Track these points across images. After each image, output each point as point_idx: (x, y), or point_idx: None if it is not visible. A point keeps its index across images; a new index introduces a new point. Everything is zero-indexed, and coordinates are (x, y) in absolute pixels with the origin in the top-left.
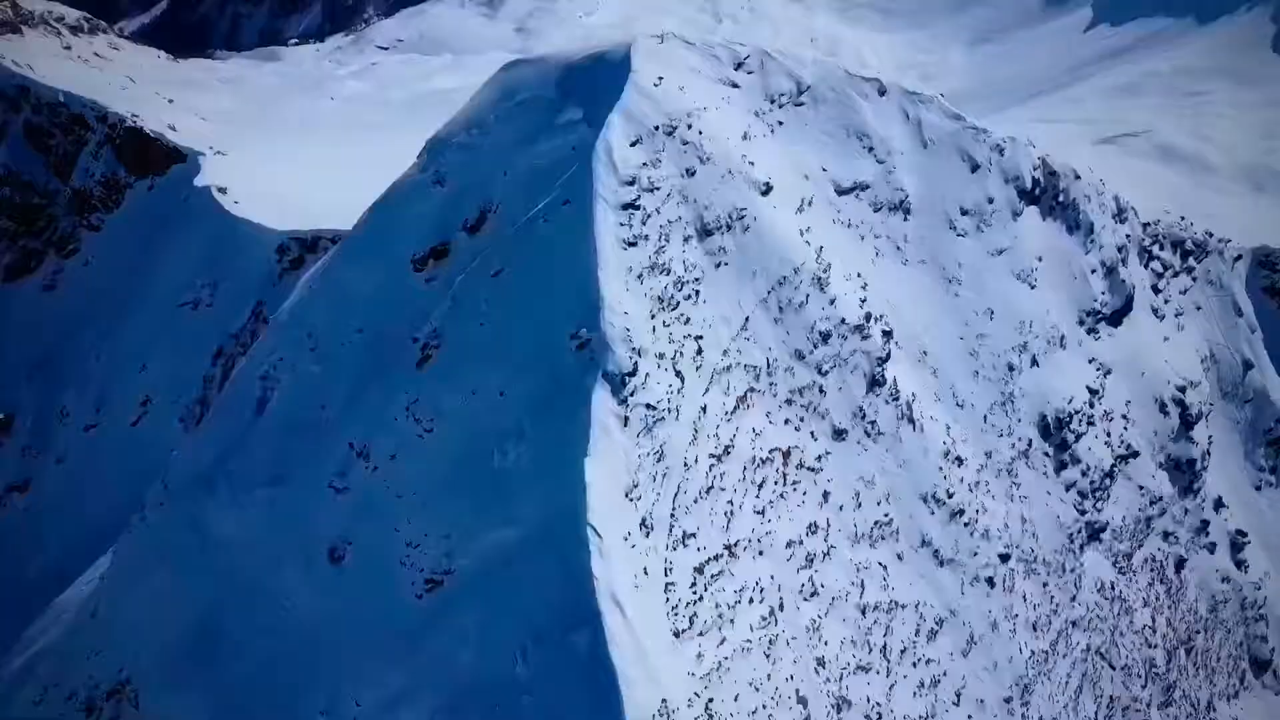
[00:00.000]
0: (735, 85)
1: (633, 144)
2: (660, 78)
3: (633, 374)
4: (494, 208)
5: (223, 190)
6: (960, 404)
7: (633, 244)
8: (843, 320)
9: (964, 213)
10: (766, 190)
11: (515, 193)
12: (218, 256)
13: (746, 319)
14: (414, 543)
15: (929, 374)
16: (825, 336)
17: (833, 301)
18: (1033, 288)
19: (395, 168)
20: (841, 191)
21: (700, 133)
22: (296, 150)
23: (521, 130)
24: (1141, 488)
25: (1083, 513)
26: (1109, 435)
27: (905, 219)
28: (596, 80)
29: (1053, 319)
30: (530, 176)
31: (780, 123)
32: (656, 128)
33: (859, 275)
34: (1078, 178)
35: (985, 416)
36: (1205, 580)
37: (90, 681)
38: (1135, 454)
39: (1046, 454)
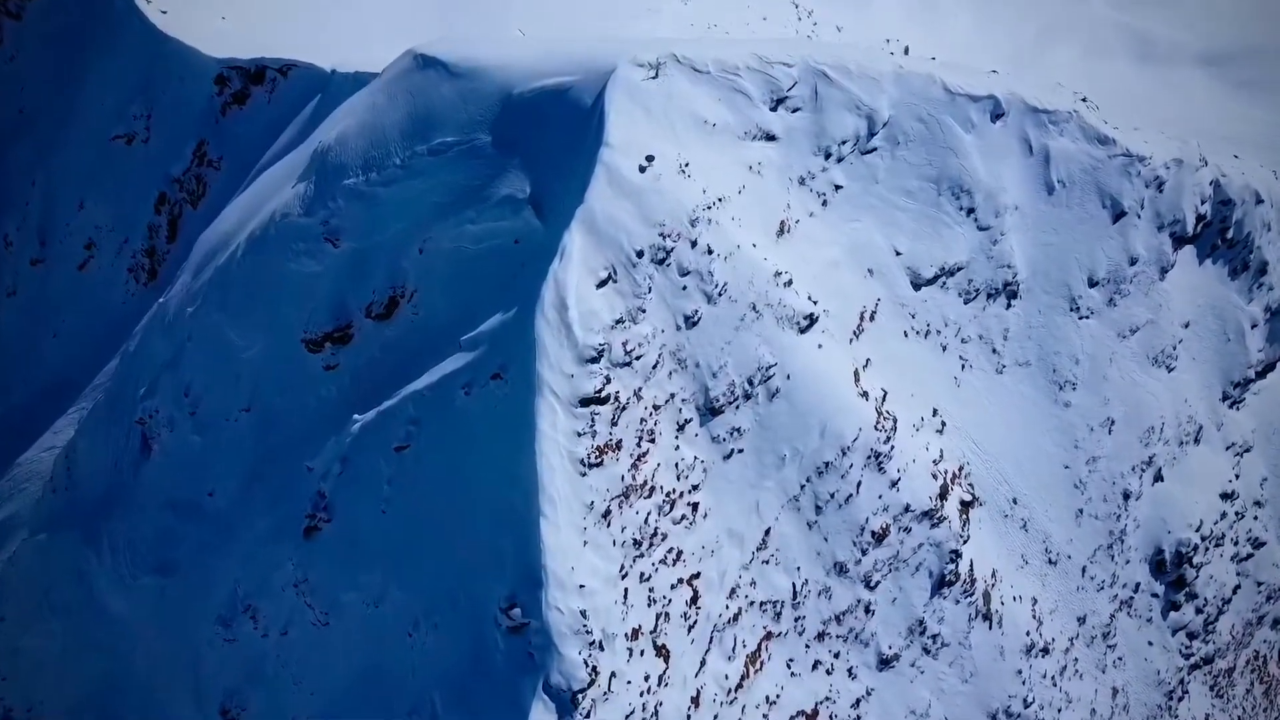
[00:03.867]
0: (772, 138)
1: (602, 283)
2: (649, 157)
3: (590, 685)
4: (406, 293)
5: None
6: (1054, 560)
7: (596, 464)
8: (907, 508)
9: (1093, 284)
10: (809, 324)
11: (435, 280)
12: (150, 81)
13: (767, 532)
14: None
15: (1017, 529)
16: (880, 536)
17: (895, 484)
18: (1170, 370)
19: None
20: (921, 284)
21: (710, 250)
22: None
23: (442, 191)
24: (1260, 584)
25: (1189, 655)
26: (1236, 544)
27: (1009, 305)
28: (550, 136)
29: (1191, 407)
30: (455, 264)
31: (837, 186)
32: (640, 253)
33: (935, 414)
34: (1259, 201)
35: (1084, 569)
36: None
37: (3, 705)
38: (1262, 544)
39: (1155, 595)
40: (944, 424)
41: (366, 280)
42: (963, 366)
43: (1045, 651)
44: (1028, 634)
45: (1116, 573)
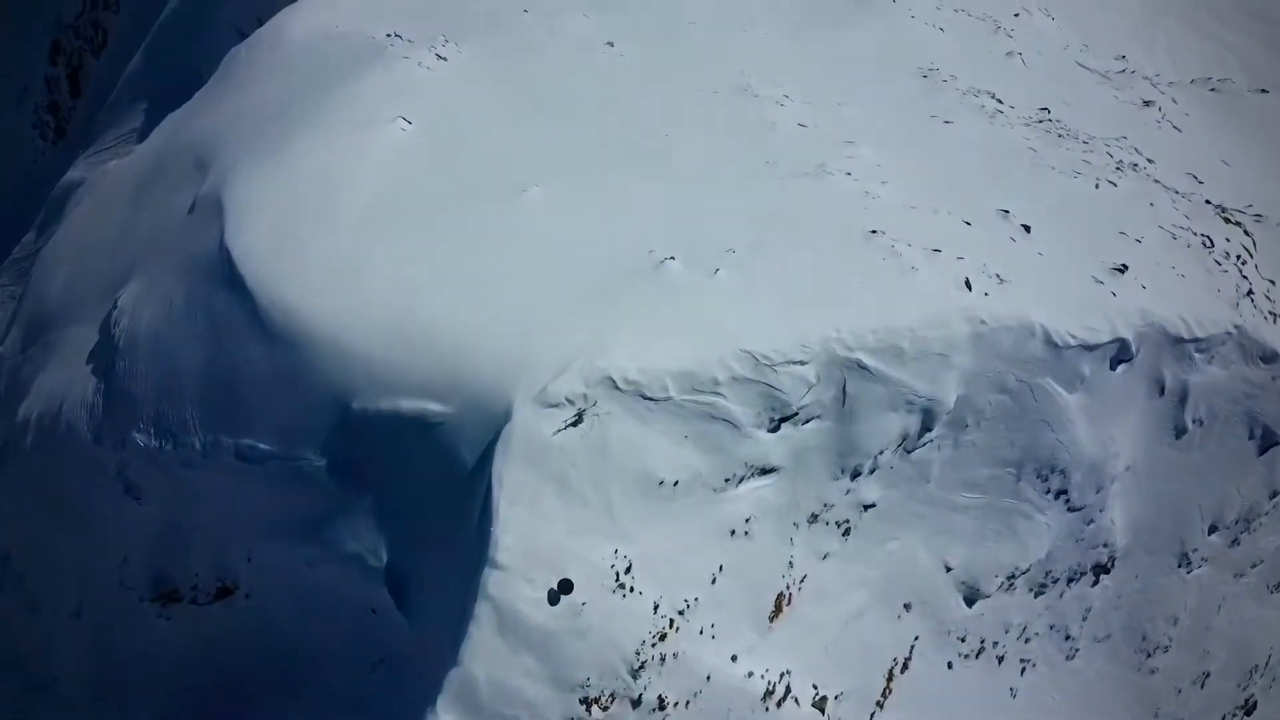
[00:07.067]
0: (770, 471)
1: None
2: (565, 583)
3: None
4: (240, 590)
5: None
6: None
7: None
8: None
9: (1214, 529)
10: None
11: (274, 595)
12: None
13: None
14: None
15: None
16: None
17: None
18: None
19: None
20: (978, 599)
21: (662, 702)
22: None
23: (262, 506)
24: None
25: None
26: None
27: (1096, 582)
28: (412, 487)
29: None
30: (297, 590)
31: (867, 506)
32: None
33: None
34: None
35: None
36: None
37: None
38: None
39: None
40: None
41: (185, 559)
42: (1023, 670)
43: None
44: None
45: None
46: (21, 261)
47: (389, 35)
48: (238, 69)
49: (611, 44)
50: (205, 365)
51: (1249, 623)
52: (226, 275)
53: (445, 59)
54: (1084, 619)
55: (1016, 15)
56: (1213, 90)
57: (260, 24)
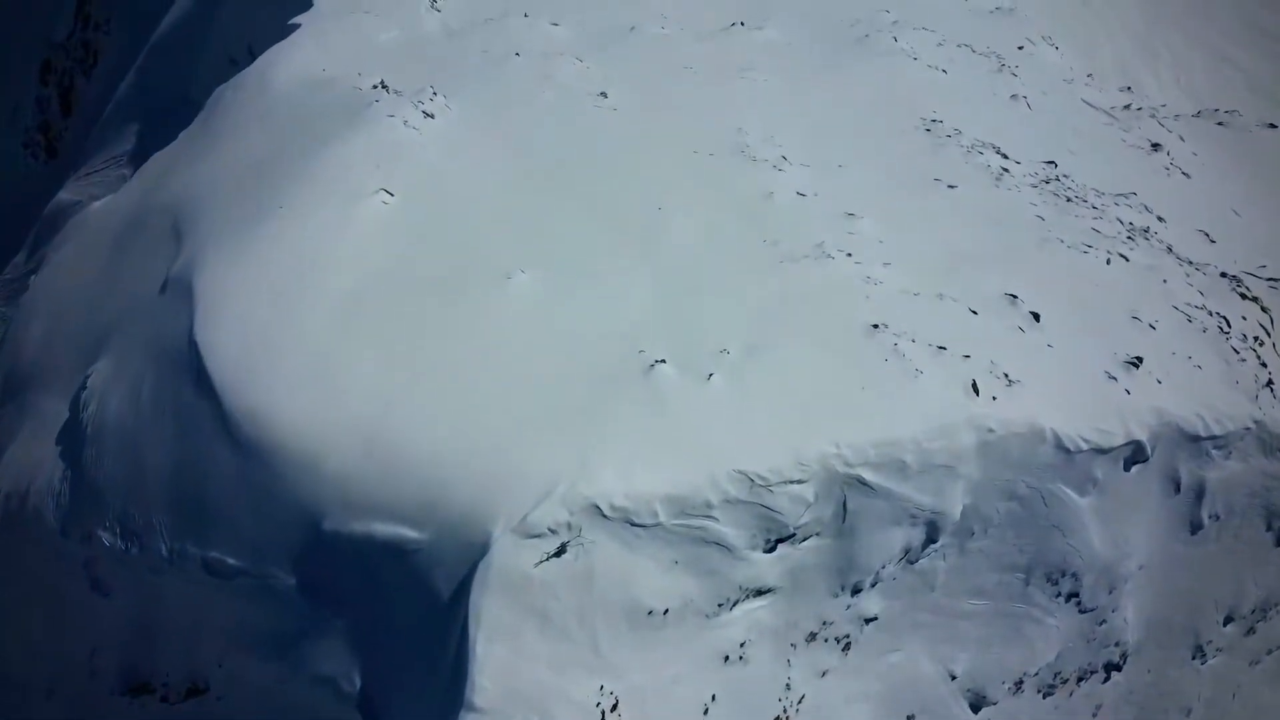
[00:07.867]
0: (764, 592)
1: None
2: None
3: None
4: (211, 692)
5: None
6: None
7: None
8: None
9: (1229, 620)
10: None
11: (245, 703)
12: None
13: None
14: None
15: None
16: None
17: None
18: None
19: None
20: (984, 705)
21: None
22: None
23: (233, 619)
24: None
25: None
26: None
27: (1108, 679)
28: (386, 612)
29: None
30: (267, 698)
31: (868, 619)
32: None
33: None
34: None
35: None
36: None
37: None
38: None
39: None
40: None
41: (155, 658)
42: None
43: None
44: None
45: None
46: (12, 283)
47: (375, 86)
48: (222, 114)
49: (605, 95)
50: (172, 468)
51: (1265, 709)
52: (194, 371)
53: (432, 116)
54: (1094, 715)
55: (1020, 48)
56: (1220, 124)
57: (251, 52)
